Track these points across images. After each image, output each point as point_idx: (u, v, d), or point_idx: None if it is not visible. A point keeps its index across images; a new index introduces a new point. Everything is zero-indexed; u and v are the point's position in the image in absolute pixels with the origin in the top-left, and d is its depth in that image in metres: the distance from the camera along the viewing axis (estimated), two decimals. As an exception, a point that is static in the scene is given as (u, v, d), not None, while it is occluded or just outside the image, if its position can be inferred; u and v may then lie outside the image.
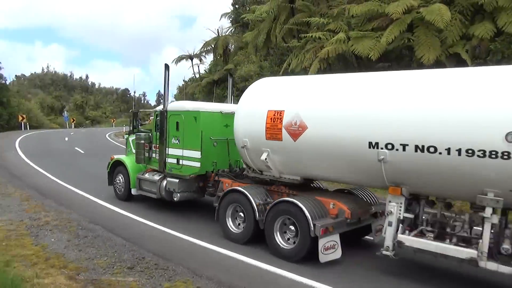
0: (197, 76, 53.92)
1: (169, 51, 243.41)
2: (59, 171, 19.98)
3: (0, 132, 50.24)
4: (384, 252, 8.01)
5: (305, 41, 24.14)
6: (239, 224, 10.16)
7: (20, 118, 57.60)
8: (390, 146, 7.66)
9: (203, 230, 10.92)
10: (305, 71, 23.18)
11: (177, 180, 12.04)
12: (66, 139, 41.92)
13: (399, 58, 21.97)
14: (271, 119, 9.26)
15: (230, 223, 10.24)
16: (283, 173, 9.77)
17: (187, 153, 11.82)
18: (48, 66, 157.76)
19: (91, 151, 30.44)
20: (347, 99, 8.37)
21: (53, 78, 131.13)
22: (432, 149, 7.21)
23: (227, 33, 49.52)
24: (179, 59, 55.01)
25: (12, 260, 8.17)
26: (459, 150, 6.97)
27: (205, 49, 51.49)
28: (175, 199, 12.10)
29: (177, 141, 12.09)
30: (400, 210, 7.92)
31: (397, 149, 7.58)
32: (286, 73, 24.60)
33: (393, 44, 20.01)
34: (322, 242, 8.37)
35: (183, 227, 11.21)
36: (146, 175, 13.12)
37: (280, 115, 9.14)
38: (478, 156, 6.82)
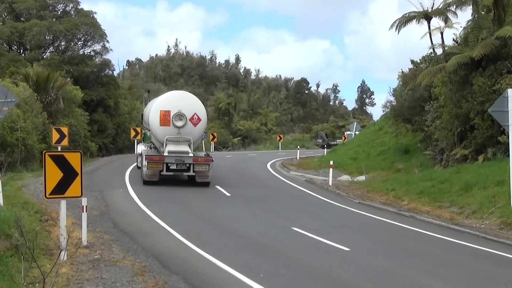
0: (439, 52, 28.83)
1: (383, 7, 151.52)
2: (191, 226, 13.94)
3: (103, 157, 36.64)
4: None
5: None
6: None
7: (133, 134, 35.05)
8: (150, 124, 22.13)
9: None
10: None
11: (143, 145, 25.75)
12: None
13: None
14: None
15: None
16: None
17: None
18: (176, 44, 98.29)
19: (243, 192, 20.72)
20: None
21: (183, 64, 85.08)
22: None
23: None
24: (405, 20, 31.05)
25: None
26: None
27: (456, -1, 26.31)
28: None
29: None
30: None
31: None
32: None
33: None
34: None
35: None
36: None
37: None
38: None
